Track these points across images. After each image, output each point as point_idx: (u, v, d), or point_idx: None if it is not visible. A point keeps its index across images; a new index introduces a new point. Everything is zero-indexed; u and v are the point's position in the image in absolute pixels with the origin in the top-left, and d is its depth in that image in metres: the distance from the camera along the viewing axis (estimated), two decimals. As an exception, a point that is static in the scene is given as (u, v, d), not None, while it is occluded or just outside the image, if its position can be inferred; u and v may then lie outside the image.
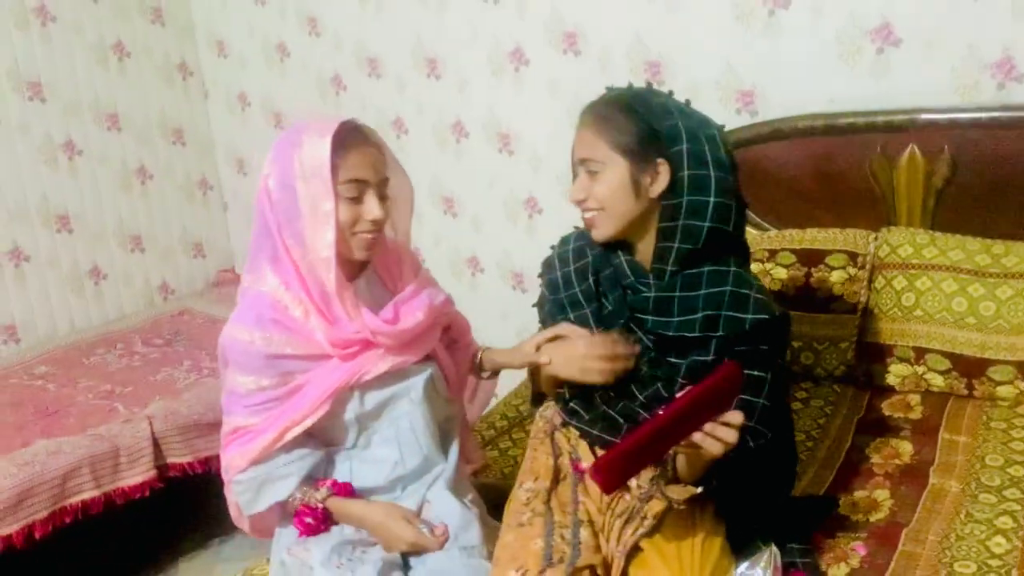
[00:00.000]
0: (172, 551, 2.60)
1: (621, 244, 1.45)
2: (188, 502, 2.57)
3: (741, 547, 1.38)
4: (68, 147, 3.22)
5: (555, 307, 1.54)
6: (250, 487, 1.49)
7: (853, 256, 2.13)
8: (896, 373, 2.02)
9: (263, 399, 1.46)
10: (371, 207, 1.42)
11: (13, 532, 2.05)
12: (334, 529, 1.50)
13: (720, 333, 1.37)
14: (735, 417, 1.18)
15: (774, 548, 1.33)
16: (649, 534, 1.33)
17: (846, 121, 2.19)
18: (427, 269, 1.70)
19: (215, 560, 2.63)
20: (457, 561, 1.41)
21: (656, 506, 1.36)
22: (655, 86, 2.49)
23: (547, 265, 1.60)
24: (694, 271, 1.42)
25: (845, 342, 2.09)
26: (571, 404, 1.54)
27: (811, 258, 2.16)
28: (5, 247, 3.08)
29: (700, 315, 1.38)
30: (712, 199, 1.35)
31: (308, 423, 1.45)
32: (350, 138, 1.42)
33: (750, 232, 2.33)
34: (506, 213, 2.95)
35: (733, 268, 1.43)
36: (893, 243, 2.09)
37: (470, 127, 2.95)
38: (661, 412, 1.16)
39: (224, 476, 1.55)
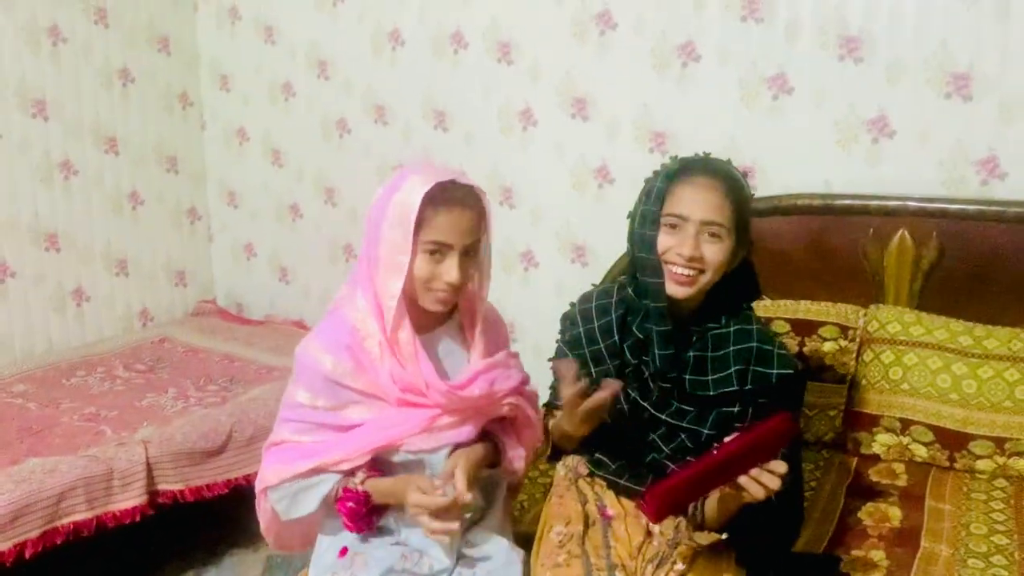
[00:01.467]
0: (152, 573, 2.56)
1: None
2: (169, 531, 2.55)
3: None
4: (65, 167, 3.21)
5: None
6: (286, 495, 1.51)
7: (844, 329, 2.26)
8: (882, 442, 2.14)
9: (313, 419, 1.49)
10: (449, 270, 1.42)
11: (5, 550, 2.01)
12: (380, 553, 1.49)
13: (749, 387, 1.47)
14: (780, 467, 1.27)
15: None
16: None
17: (842, 203, 2.35)
18: (516, 353, 1.64)
19: (193, 591, 2.60)
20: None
21: (684, 551, 1.43)
22: (660, 155, 2.67)
23: (569, 322, 1.67)
24: (722, 331, 1.53)
25: (834, 410, 2.21)
26: (596, 455, 1.61)
27: (804, 328, 2.29)
28: (-8, 261, 3.05)
29: (732, 370, 1.48)
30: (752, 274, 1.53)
31: (343, 467, 1.48)
32: (446, 198, 1.41)
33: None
34: (502, 265, 3.03)
35: (756, 326, 1.55)
36: (882, 319, 2.23)
37: (473, 180, 3.03)
38: (715, 452, 1.24)
39: (257, 486, 1.56)
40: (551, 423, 1.63)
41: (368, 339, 1.47)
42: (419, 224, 1.40)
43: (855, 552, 1.75)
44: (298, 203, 3.48)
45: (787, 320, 2.31)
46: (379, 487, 1.49)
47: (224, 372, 3.05)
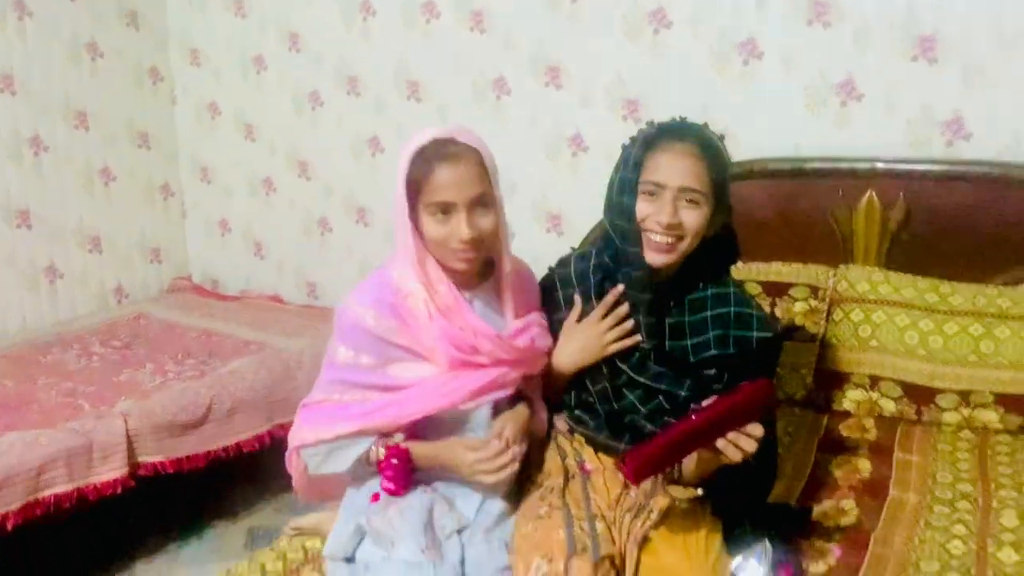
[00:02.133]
0: (130, 553, 2.57)
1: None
2: (151, 504, 2.56)
3: (736, 544, 1.49)
4: (35, 143, 3.18)
5: (555, 327, 1.64)
6: (320, 452, 1.53)
7: (814, 289, 2.30)
8: (852, 398, 2.19)
9: (355, 378, 1.50)
10: (459, 227, 1.43)
11: (-14, 522, 2.03)
12: (417, 504, 1.49)
13: (728, 351, 1.50)
14: (756, 430, 1.31)
15: (767, 543, 1.45)
16: (656, 526, 1.44)
17: (812, 166, 2.38)
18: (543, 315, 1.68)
19: (173, 563, 2.60)
20: (497, 552, 1.46)
21: (661, 501, 1.47)
22: (634, 123, 2.69)
23: (548, 285, 1.70)
24: (700, 295, 1.56)
25: (805, 368, 2.26)
26: (576, 412, 1.65)
27: (775, 290, 2.33)
28: (-38, 239, 3.02)
29: (711, 335, 1.51)
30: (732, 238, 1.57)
31: (387, 429, 1.51)
32: (439, 155, 1.43)
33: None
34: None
35: (734, 289, 1.58)
36: (851, 279, 2.28)
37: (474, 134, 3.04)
38: (694, 417, 1.28)
39: (290, 442, 1.58)
40: None
41: (411, 297, 1.49)
42: (420, 189, 1.43)
43: (827, 503, 1.80)
44: (271, 177, 3.47)
45: (759, 282, 2.34)
46: (419, 451, 1.52)
47: (202, 347, 3.05)
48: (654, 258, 1.50)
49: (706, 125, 1.59)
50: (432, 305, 1.49)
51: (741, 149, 2.54)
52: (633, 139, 1.56)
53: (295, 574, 1.57)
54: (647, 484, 1.51)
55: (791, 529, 1.65)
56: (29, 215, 3.20)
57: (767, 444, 1.56)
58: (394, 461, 1.48)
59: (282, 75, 3.32)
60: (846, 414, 2.20)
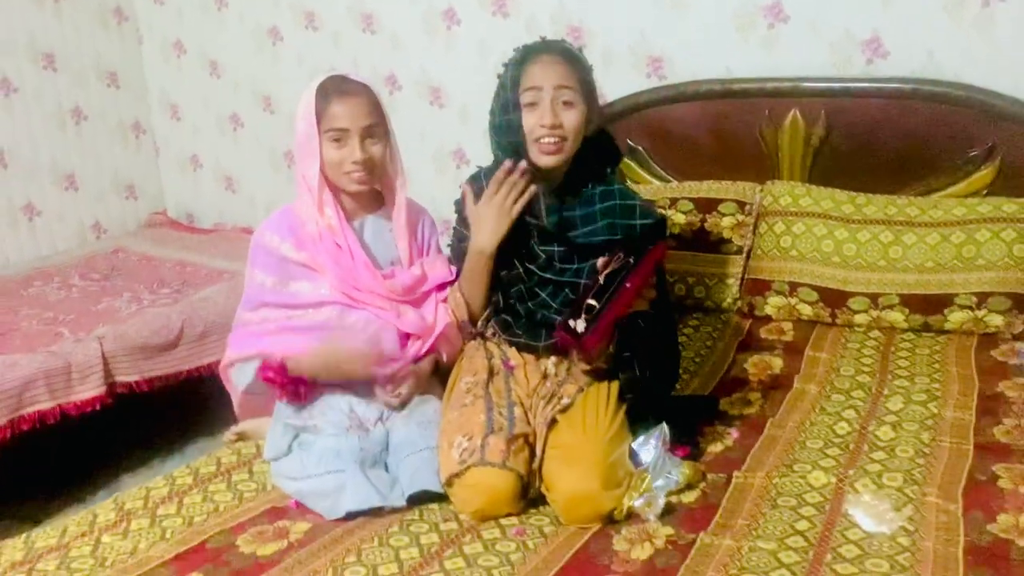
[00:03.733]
0: (115, 466, 2.76)
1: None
2: (132, 425, 2.75)
3: (638, 427, 1.67)
4: (4, 85, 3.29)
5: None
6: (237, 371, 1.81)
7: (741, 204, 2.45)
8: (773, 304, 2.35)
9: (261, 297, 1.76)
10: (352, 150, 1.69)
11: (-25, 437, 2.21)
12: (336, 401, 1.73)
13: (617, 236, 1.68)
14: (652, 292, 1.57)
15: (664, 427, 1.62)
16: (564, 410, 1.62)
17: (739, 87, 2.51)
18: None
19: (155, 475, 2.78)
20: (416, 432, 1.67)
21: (570, 388, 1.65)
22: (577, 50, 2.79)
23: (463, 202, 1.85)
24: (587, 193, 1.75)
25: (732, 278, 2.42)
26: (502, 317, 1.81)
27: (706, 206, 2.47)
28: (-60, 180, 3.15)
29: (600, 224, 1.70)
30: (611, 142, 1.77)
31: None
32: (337, 89, 1.69)
33: (655, 183, 2.65)
34: (435, 165, 3.17)
35: (617, 185, 1.78)
36: (776, 194, 2.42)
37: (403, 81, 3.16)
38: (628, 285, 1.52)
39: (222, 364, 1.85)
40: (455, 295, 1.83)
41: (307, 223, 1.73)
42: (320, 118, 1.68)
43: (735, 395, 1.98)
44: (238, 113, 3.58)
45: (690, 199, 2.49)
46: (305, 360, 1.71)
47: (177, 277, 3.21)
48: (545, 160, 1.68)
49: (563, 40, 1.79)
50: (322, 223, 1.71)
51: (678, 74, 2.66)
52: (505, 65, 1.73)
53: (227, 475, 1.74)
54: (562, 373, 1.70)
55: (697, 417, 1.83)
56: (4, 155, 3.32)
57: (669, 338, 1.75)
58: (270, 374, 1.69)
59: (242, 12, 3.41)
60: (768, 319, 2.36)
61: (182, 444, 2.90)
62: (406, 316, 1.77)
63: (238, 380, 1.82)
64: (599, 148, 1.76)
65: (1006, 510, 1.44)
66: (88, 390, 2.47)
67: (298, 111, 1.72)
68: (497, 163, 1.73)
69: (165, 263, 3.35)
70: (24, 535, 1.57)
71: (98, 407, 2.50)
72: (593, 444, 1.55)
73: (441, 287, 1.84)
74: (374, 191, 1.82)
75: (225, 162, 3.72)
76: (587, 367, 1.66)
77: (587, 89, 1.69)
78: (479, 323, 1.85)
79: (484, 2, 2.91)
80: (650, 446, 1.61)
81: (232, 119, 3.61)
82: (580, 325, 1.54)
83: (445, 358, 1.85)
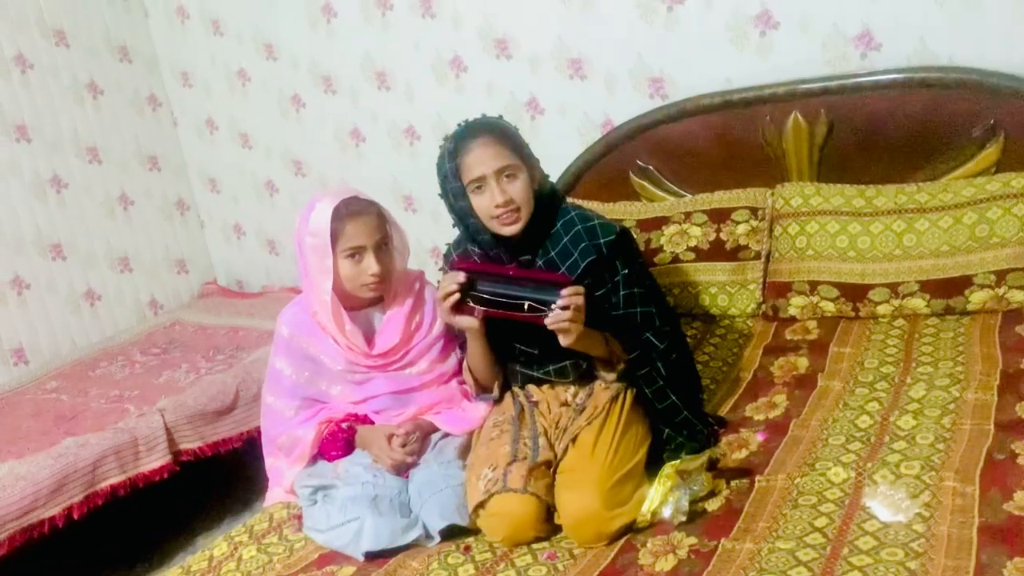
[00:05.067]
0: (190, 531, 2.91)
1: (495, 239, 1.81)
2: (201, 485, 2.89)
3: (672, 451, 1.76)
4: (55, 181, 3.51)
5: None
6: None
7: (754, 210, 2.50)
8: (796, 305, 2.38)
9: (287, 383, 1.94)
10: (369, 265, 1.86)
11: (56, 514, 2.36)
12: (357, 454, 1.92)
13: (592, 257, 1.78)
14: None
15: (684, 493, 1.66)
16: (574, 440, 1.73)
17: (739, 97, 2.56)
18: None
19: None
20: (436, 472, 1.76)
21: (590, 412, 1.74)
22: (580, 80, 2.90)
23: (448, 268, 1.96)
24: (552, 233, 1.84)
25: (753, 284, 2.47)
26: (517, 367, 1.92)
27: (719, 216, 2.53)
28: (7, 277, 3.37)
29: (575, 254, 1.79)
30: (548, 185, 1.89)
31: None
32: (350, 209, 1.85)
33: (668, 199, 2.71)
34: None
35: (573, 212, 1.87)
36: (786, 196, 2.47)
37: (420, 131, 3.29)
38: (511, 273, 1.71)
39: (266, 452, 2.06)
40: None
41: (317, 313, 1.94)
42: (335, 239, 1.83)
43: (761, 399, 2.03)
44: (272, 179, 3.75)
45: (703, 211, 2.55)
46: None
47: (230, 342, 3.37)
48: (508, 230, 1.77)
49: (482, 115, 1.87)
50: (342, 341, 1.91)
51: (679, 91, 2.73)
52: (440, 156, 1.82)
53: (278, 529, 1.86)
54: (582, 397, 1.78)
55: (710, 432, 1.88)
56: (62, 247, 3.54)
57: (682, 356, 1.83)
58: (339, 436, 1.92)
59: (265, 83, 3.58)
60: (792, 320, 2.39)
61: (249, 501, 3.04)
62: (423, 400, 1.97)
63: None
64: (543, 195, 1.84)
65: (1023, 487, 1.46)
66: (155, 460, 2.62)
67: (307, 228, 1.86)
68: (462, 237, 1.88)
69: (219, 330, 3.52)
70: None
71: (166, 475, 2.65)
72: (595, 466, 1.63)
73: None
74: None
75: (266, 227, 3.89)
76: (607, 381, 1.74)
77: (523, 154, 1.78)
78: (494, 391, 1.95)
79: (488, 47, 3.02)
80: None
81: (268, 185, 3.78)
82: (555, 312, 1.66)
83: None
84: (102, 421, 2.76)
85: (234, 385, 2.90)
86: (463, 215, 1.79)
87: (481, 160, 1.73)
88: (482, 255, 1.83)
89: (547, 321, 1.66)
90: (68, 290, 3.57)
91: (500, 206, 1.73)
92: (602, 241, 1.79)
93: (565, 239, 1.80)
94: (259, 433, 2.87)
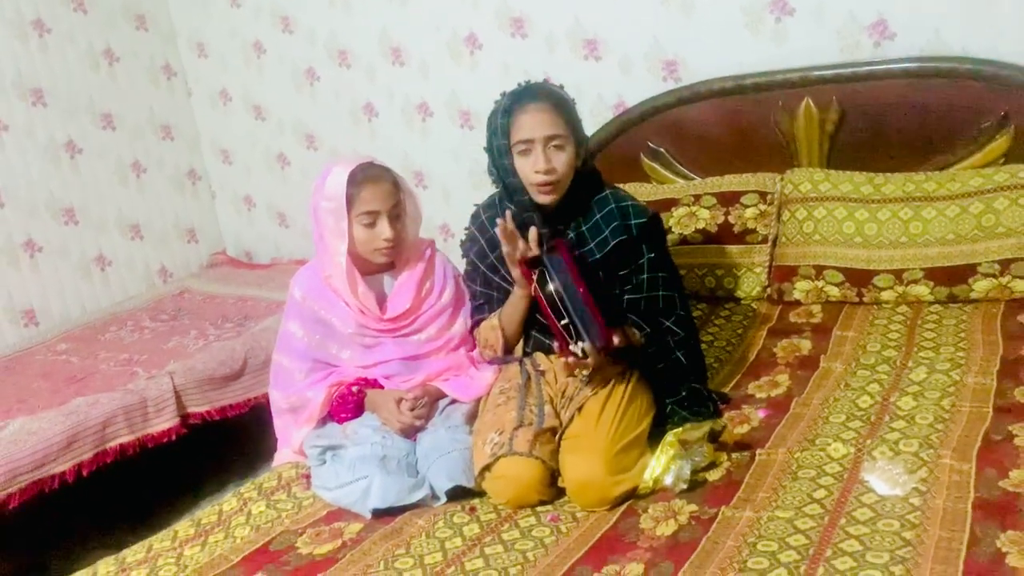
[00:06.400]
0: (194, 493, 2.95)
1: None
2: (208, 454, 2.93)
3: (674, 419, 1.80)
4: (69, 147, 3.54)
5: (490, 269, 1.94)
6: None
7: (763, 195, 2.53)
8: (801, 289, 2.41)
9: (299, 345, 1.98)
10: (383, 230, 1.89)
11: (65, 470, 2.41)
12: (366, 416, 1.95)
13: (623, 237, 1.81)
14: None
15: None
16: (580, 408, 1.76)
17: (751, 81, 2.58)
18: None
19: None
20: (444, 436, 1.80)
21: (595, 384, 1.77)
22: (594, 61, 2.91)
23: (470, 239, 2.00)
24: (584, 206, 1.86)
25: (759, 267, 2.50)
26: (534, 334, 1.95)
27: (729, 199, 2.56)
28: (20, 239, 3.40)
29: (607, 232, 1.81)
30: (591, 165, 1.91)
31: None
32: (366, 175, 1.87)
33: (679, 182, 2.74)
34: (472, 183, 3.31)
35: (608, 190, 1.89)
36: (795, 181, 2.49)
37: (434, 107, 3.31)
38: (581, 291, 1.64)
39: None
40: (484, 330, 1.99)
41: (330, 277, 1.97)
42: (350, 203, 1.85)
43: (764, 378, 2.06)
44: (284, 152, 3.78)
45: (713, 194, 2.58)
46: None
47: (239, 312, 3.40)
48: (543, 199, 1.80)
49: (545, 81, 1.90)
50: (336, 278, 1.94)
51: (693, 75, 2.75)
52: (494, 111, 1.84)
53: (287, 487, 1.90)
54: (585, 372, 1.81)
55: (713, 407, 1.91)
56: (74, 212, 3.57)
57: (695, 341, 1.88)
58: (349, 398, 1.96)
59: (280, 56, 3.60)
60: (797, 303, 2.42)
61: (254, 467, 3.08)
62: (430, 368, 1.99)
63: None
64: (584, 173, 1.87)
65: (1019, 466, 1.49)
66: (164, 422, 2.66)
67: (323, 192, 1.89)
68: (494, 197, 1.91)
69: (227, 300, 3.56)
70: (115, 555, 1.74)
71: (174, 437, 2.68)
72: (600, 433, 1.67)
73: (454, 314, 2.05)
74: None
75: (276, 199, 3.92)
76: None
77: (574, 128, 1.80)
78: (514, 351, 1.98)
79: (503, 25, 3.04)
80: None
81: (279, 158, 3.81)
82: (579, 348, 1.67)
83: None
84: (112, 383, 2.80)
85: (243, 352, 2.94)
86: (504, 172, 1.81)
87: (533, 124, 1.75)
88: (548, 235, 1.84)
89: (567, 354, 1.69)
90: (79, 255, 3.61)
91: (541, 172, 1.75)
92: (633, 223, 1.83)
93: (598, 216, 1.84)
94: (266, 400, 2.95)
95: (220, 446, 2.99)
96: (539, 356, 1.92)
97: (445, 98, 3.26)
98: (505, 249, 1.78)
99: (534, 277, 1.72)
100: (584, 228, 1.85)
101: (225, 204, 4.11)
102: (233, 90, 3.82)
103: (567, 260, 1.69)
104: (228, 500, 1.87)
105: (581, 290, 1.65)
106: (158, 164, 3.87)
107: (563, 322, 1.67)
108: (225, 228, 4.16)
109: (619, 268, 1.84)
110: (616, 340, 1.69)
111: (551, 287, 1.69)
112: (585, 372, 1.75)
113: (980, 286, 2.19)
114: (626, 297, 1.85)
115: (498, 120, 1.80)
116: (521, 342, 1.98)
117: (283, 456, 2.04)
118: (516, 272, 1.80)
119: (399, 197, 1.94)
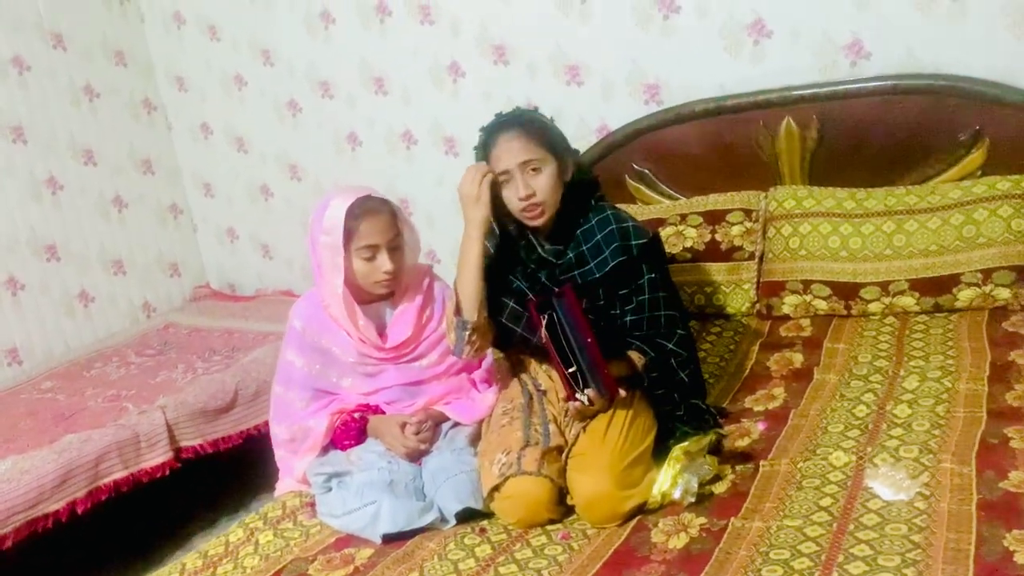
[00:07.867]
0: (187, 528, 2.92)
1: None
2: (200, 488, 2.91)
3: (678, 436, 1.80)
4: (50, 183, 3.52)
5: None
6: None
7: (748, 212, 2.58)
8: (790, 303, 2.45)
9: (298, 375, 1.96)
10: (383, 263, 1.90)
11: (59, 508, 2.37)
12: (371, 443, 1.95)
13: (622, 258, 1.83)
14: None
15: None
16: (585, 426, 1.78)
17: (732, 103, 2.64)
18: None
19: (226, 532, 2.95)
20: (449, 459, 1.81)
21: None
22: (576, 86, 2.96)
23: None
24: (586, 226, 1.89)
25: (748, 283, 2.54)
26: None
27: (714, 218, 2.60)
28: (2, 277, 3.36)
29: (607, 253, 1.83)
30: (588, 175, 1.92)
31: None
32: (364, 208, 1.88)
33: (664, 202, 2.78)
34: (456, 211, 3.32)
35: (610, 211, 1.91)
36: (779, 198, 2.55)
37: (418, 135, 3.34)
38: (590, 341, 1.64)
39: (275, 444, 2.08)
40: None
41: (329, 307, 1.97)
42: (350, 237, 1.86)
43: (760, 391, 2.09)
44: (267, 184, 3.78)
45: (698, 213, 2.63)
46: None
47: (225, 344, 3.38)
48: (533, 223, 1.85)
49: (516, 108, 1.94)
50: (354, 334, 1.95)
51: (672, 96, 2.81)
52: (475, 149, 1.89)
53: (292, 515, 1.89)
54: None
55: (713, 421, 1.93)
56: (56, 248, 3.55)
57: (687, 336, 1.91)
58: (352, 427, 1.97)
59: (262, 88, 3.62)
60: (786, 318, 2.46)
61: (247, 501, 3.06)
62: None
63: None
64: (578, 183, 1.90)
65: (1017, 467, 1.53)
66: (156, 457, 2.64)
67: (322, 226, 1.89)
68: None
69: (213, 332, 3.54)
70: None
71: (167, 472, 2.66)
72: (607, 450, 1.68)
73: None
74: None
75: (260, 231, 3.91)
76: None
77: (551, 145, 1.84)
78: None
79: (485, 52, 3.09)
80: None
81: (262, 190, 3.81)
82: (585, 396, 1.69)
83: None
84: (101, 419, 2.77)
85: (233, 384, 2.92)
86: (498, 207, 1.85)
87: (507, 154, 1.80)
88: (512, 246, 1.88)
89: (570, 400, 1.71)
90: (62, 291, 3.57)
91: (523, 199, 1.79)
92: (634, 243, 1.86)
93: (599, 236, 1.87)
94: (258, 432, 2.95)
95: (210, 479, 2.97)
96: (540, 376, 1.94)
97: (428, 126, 3.29)
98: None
99: (543, 321, 1.71)
100: (584, 248, 1.87)
101: (208, 237, 4.09)
102: (214, 123, 3.83)
103: (575, 308, 1.68)
104: (234, 530, 1.86)
105: (589, 340, 1.66)
106: (139, 199, 3.86)
107: (571, 370, 1.68)
108: (208, 261, 4.14)
109: (619, 288, 1.86)
110: (622, 392, 1.72)
111: (558, 323, 1.69)
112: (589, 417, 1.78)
113: (964, 295, 2.25)
114: (628, 318, 1.88)
115: (478, 156, 1.87)
116: (516, 361, 2.00)
117: (285, 486, 2.04)
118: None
119: (398, 228, 1.95)
